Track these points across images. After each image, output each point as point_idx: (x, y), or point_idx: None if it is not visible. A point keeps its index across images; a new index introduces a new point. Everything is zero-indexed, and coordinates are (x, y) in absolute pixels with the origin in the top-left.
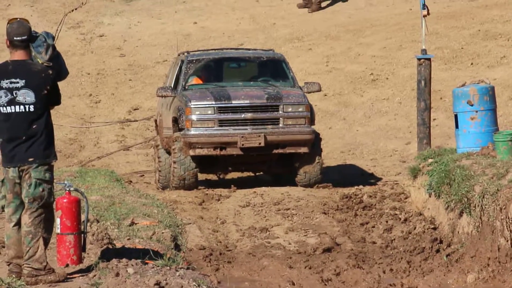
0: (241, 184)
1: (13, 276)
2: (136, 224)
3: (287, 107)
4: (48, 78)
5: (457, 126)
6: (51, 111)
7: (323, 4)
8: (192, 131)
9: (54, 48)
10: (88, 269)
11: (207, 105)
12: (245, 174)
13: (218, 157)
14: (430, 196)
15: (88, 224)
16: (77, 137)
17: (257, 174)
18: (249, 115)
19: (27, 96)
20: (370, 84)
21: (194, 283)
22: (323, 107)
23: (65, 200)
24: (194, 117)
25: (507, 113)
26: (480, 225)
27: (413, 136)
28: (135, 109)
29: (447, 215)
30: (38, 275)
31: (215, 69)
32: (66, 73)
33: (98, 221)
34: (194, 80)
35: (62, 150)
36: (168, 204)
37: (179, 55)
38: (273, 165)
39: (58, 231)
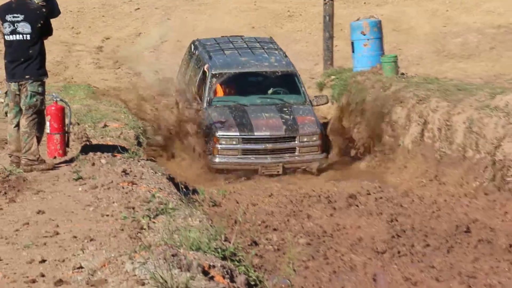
0: None
1: (14, 165)
2: (107, 126)
3: (303, 137)
4: (41, 14)
5: (353, 51)
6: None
7: None
8: (218, 159)
9: None
10: (71, 160)
11: (232, 136)
12: None
13: None
14: (332, 104)
15: (71, 126)
16: (62, 60)
17: None
18: (269, 146)
19: (25, 28)
20: (288, 19)
21: (152, 171)
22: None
23: (53, 108)
24: (220, 147)
25: (390, 41)
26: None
27: (320, 59)
28: (107, 39)
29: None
30: (33, 164)
31: (236, 79)
32: (58, 12)
33: (78, 124)
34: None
35: (50, 69)
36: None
37: (196, 47)
38: None
39: (48, 131)
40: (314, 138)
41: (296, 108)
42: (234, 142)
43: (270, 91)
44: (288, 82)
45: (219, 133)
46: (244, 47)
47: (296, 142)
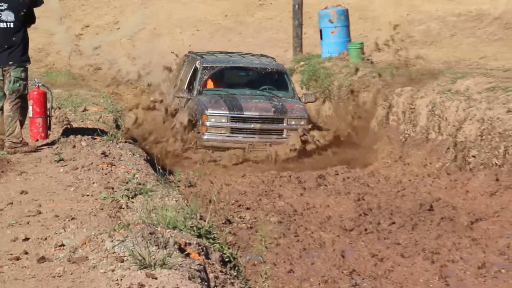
0: None
1: None
2: (87, 110)
3: (291, 120)
4: (24, 3)
5: (321, 38)
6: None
7: None
8: (206, 136)
9: None
10: (53, 143)
11: (221, 114)
12: None
13: None
14: (302, 89)
15: (52, 110)
16: (44, 47)
17: None
18: (257, 126)
19: (8, 16)
20: (259, 7)
21: (130, 152)
22: (224, 24)
23: (35, 93)
24: (209, 124)
25: (357, 29)
26: (338, 109)
27: (289, 45)
28: (86, 27)
29: (315, 102)
30: (16, 147)
31: (227, 75)
32: (41, 2)
33: (59, 108)
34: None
35: (33, 56)
36: (111, 96)
37: (189, 55)
38: None
39: (31, 115)
40: (302, 122)
41: (285, 99)
42: (223, 120)
43: (259, 89)
44: (278, 79)
45: (209, 111)
46: (235, 54)
47: (284, 124)
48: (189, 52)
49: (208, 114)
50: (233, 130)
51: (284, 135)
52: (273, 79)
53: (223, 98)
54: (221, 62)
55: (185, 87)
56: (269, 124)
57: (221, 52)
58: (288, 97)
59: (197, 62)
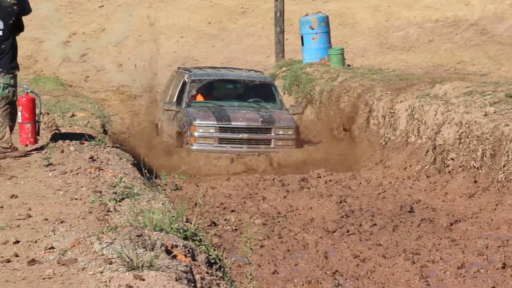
0: None
1: None
2: (75, 115)
3: (279, 130)
4: (13, 11)
5: (302, 44)
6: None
7: None
8: (194, 146)
9: None
10: (42, 148)
11: (209, 125)
12: None
13: None
14: (284, 94)
15: (41, 115)
16: (32, 54)
17: None
18: (245, 136)
19: None
20: (241, 14)
21: (117, 157)
22: (208, 31)
23: (24, 99)
24: (197, 134)
25: (337, 35)
26: (319, 114)
27: (271, 51)
28: (73, 34)
29: (302, 114)
30: (6, 152)
31: (215, 88)
32: (30, 10)
33: (48, 114)
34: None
35: (21, 63)
36: (98, 102)
37: (178, 70)
38: None
39: (20, 121)
40: (290, 132)
41: (273, 110)
42: (211, 131)
43: (247, 101)
44: (265, 91)
45: (197, 122)
46: (223, 68)
47: (272, 134)
48: (178, 68)
49: (196, 124)
50: (221, 140)
51: (272, 145)
52: (261, 92)
53: (211, 109)
54: (209, 75)
55: (174, 100)
56: (257, 134)
57: (210, 67)
58: (276, 109)
59: (186, 76)
